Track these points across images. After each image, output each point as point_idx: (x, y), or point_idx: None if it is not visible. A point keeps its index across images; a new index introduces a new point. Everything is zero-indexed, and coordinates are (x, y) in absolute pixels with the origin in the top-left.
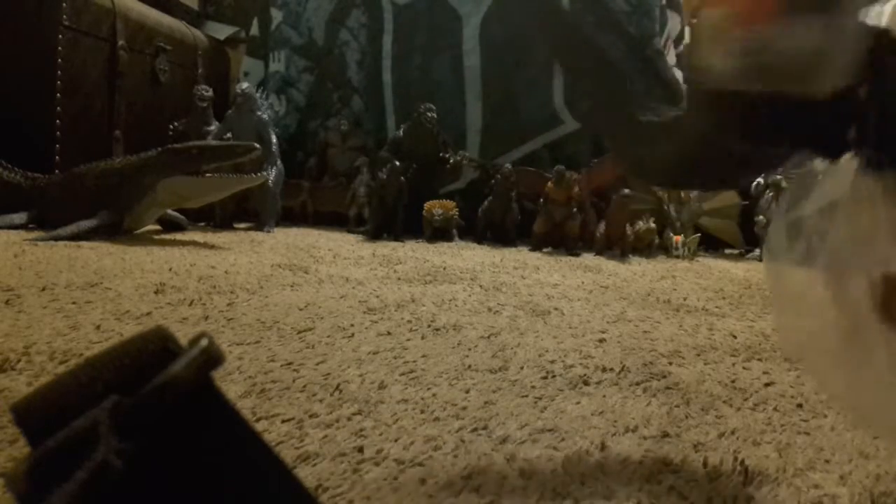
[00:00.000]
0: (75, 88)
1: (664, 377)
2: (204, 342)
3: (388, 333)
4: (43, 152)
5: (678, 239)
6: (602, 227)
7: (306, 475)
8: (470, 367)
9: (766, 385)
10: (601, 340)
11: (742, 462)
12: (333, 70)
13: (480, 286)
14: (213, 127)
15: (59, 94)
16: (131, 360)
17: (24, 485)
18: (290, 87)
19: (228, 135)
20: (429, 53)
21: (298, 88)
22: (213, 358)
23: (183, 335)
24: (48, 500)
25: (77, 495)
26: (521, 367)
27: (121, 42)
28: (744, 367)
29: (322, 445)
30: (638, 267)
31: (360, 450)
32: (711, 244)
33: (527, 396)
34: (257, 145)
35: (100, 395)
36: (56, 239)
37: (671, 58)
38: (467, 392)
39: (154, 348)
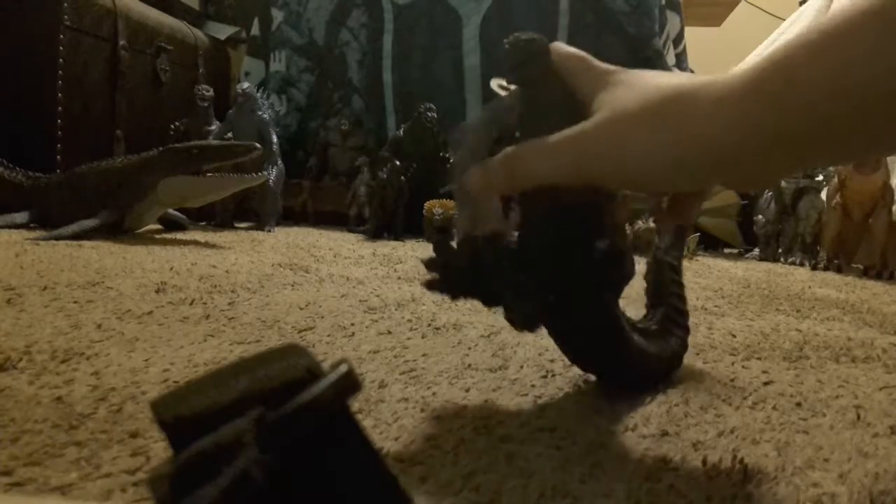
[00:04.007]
0: (76, 88)
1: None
2: (344, 367)
3: (389, 332)
4: (44, 152)
5: None
6: None
7: None
8: (470, 365)
9: (765, 384)
10: None
11: (741, 460)
12: (334, 70)
13: None
14: (214, 127)
15: (60, 94)
16: (277, 374)
17: (167, 489)
18: (291, 87)
19: (229, 134)
20: (429, 53)
21: (299, 88)
22: (351, 384)
23: (184, 334)
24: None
25: (216, 502)
26: (521, 366)
27: (122, 42)
28: (743, 366)
29: None
30: (637, 266)
31: None
32: (710, 243)
33: (527, 395)
34: (258, 145)
35: (245, 405)
36: (57, 238)
37: (671, 58)
38: (467, 391)
39: (298, 365)
